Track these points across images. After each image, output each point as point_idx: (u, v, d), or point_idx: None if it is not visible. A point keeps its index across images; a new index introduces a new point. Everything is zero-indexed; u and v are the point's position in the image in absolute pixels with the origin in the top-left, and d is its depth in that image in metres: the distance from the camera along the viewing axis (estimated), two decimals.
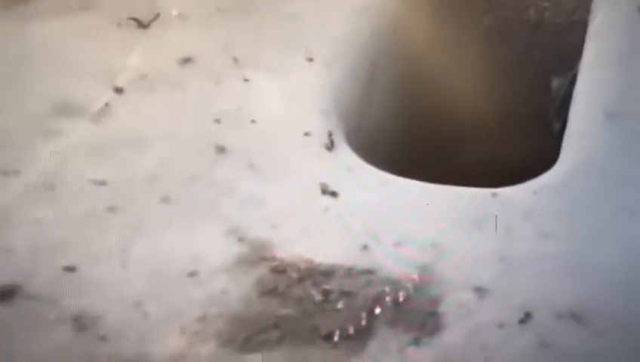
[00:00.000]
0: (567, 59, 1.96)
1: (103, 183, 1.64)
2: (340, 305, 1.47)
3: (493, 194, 1.67)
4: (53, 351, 1.40)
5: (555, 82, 1.96)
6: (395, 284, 1.49)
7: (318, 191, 1.65)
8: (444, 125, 2.20)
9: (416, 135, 2.11)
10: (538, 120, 1.97)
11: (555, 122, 1.89)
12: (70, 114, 1.76)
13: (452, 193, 1.70)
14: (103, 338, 1.40)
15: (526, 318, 1.45)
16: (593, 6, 2.13)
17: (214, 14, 2.03)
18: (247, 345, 1.40)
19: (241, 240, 1.55)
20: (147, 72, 1.86)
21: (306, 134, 1.75)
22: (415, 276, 1.50)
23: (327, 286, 1.49)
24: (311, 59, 1.89)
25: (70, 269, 1.50)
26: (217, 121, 1.78)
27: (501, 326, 1.43)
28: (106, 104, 1.79)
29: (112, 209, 1.62)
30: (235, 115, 1.80)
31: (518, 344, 1.43)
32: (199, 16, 2.02)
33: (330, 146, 1.75)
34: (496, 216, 1.66)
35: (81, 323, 1.41)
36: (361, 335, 1.42)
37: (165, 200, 1.63)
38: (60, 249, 1.55)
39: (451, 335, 1.43)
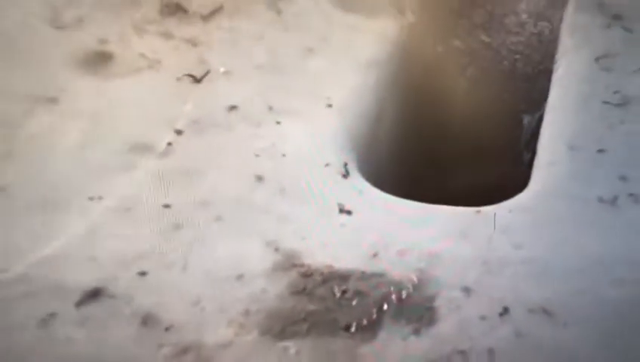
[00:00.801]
0: (536, 102, 1.96)
1: (168, 206, 1.68)
2: (354, 302, 1.50)
3: (477, 212, 1.70)
4: (128, 338, 1.44)
5: (526, 120, 1.97)
6: (399, 285, 1.52)
7: (336, 210, 1.68)
8: (437, 157, 2.21)
9: (414, 165, 2.12)
10: (512, 151, 1.97)
11: (525, 153, 1.91)
12: (142, 151, 1.79)
13: (444, 211, 1.72)
14: (168, 329, 1.45)
15: (504, 312, 1.49)
16: (557, 57, 2.09)
17: (253, 70, 2.01)
18: (282, 334, 1.44)
19: (276, 250, 1.58)
20: (200, 118, 1.87)
21: (327, 165, 1.77)
22: (414, 278, 1.53)
23: (344, 287, 1.52)
24: (330, 105, 1.90)
25: (142, 274, 1.55)
26: (256, 155, 1.79)
27: (483, 318, 1.47)
28: (169, 143, 1.81)
29: (176, 226, 1.65)
30: (270, 151, 1.81)
31: (498, 334, 1.46)
32: (241, 72, 2.01)
33: (346, 174, 1.76)
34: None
35: (150, 317, 1.47)
36: (373, 327, 1.46)
37: (218, 218, 1.66)
38: (134, 258, 1.58)
39: (444, 327, 1.47)
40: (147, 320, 1.49)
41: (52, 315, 1.50)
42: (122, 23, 1.98)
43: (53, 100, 1.84)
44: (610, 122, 1.89)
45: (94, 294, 1.52)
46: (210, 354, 1.45)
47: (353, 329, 1.47)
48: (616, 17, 2.15)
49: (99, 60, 1.93)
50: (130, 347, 1.46)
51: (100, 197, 1.69)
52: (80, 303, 1.51)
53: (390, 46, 2.02)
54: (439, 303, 1.51)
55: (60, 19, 1.98)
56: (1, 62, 1.93)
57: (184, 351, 1.44)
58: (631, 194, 1.72)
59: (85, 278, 1.56)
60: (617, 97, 1.94)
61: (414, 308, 1.51)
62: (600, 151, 1.82)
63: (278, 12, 2.03)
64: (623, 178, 1.75)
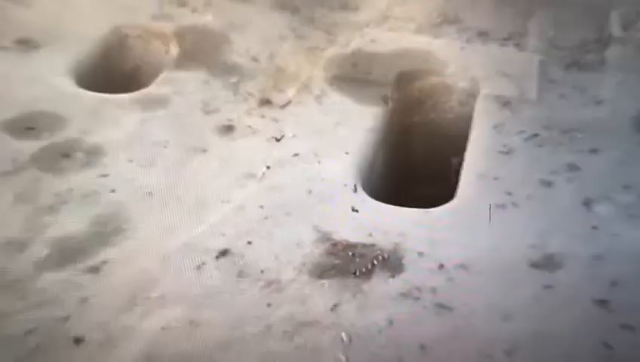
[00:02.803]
0: (460, 149, 1.95)
1: (262, 207, 1.68)
2: (358, 260, 1.58)
3: (426, 212, 1.72)
4: (236, 282, 1.50)
5: (454, 160, 1.95)
6: (383, 251, 1.59)
7: (350, 209, 1.71)
8: (408, 178, 2.20)
9: (395, 184, 2.13)
10: (450, 178, 1.92)
11: (455, 180, 1.87)
12: (249, 177, 1.79)
13: (413, 211, 1.73)
14: (262, 272, 1.52)
15: (441, 267, 1.54)
16: (472, 125, 2.02)
17: (307, 135, 1.94)
18: (321, 276, 1.53)
19: (318, 231, 1.64)
20: (279, 160, 1.84)
21: (345, 185, 1.79)
22: (392, 247, 1.60)
23: (353, 251, 1.59)
24: (347, 153, 1.88)
25: (249, 243, 1.59)
26: (308, 179, 1.79)
27: (430, 271, 1.53)
28: (263, 173, 1.81)
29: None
30: (316, 177, 1.80)
31: (438, 279, 1.52)
32: (301, 136, 1.95)
33: (355, 190, 1.77)
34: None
35: (248, 266, 1.53)
36: (369, 273, 1.54)
37: (288, 213, 1.67)
38: (244, 235, 1.60)
39: (408, 275, 1.54)
40: (245, 270, 1.53)
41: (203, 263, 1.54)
42: (239, 110, 2.01)
43: (204, 150, 1.87)
44: (501, 162, 1.86)
45: (223, 253, 1.57)
46: (283, 286, 1.50)
47: (358, 274, 1.54)
48: (506, 103, 2.09)
49: (227, 130, 1.96)
50: (235, 287, 1.49)
51: (228, 201, 1.72)
52: (217, 257, 1.57)
53: (380, 120, 2.05)
54: (405, 261, 1.56)
55: (207, 108, 2.03)
56: (172, 130, 1.94)
57: (269, 284, 1.50)
58: (514, 203, 1.71)
59: (219, 244, 1.59)
60: (505, 149, 1.91)
61: (391, 263, 1.57)
62: (495, 178, 1.80)
63: (320, 103, 2.06)
64: (509, 193, 1.75)
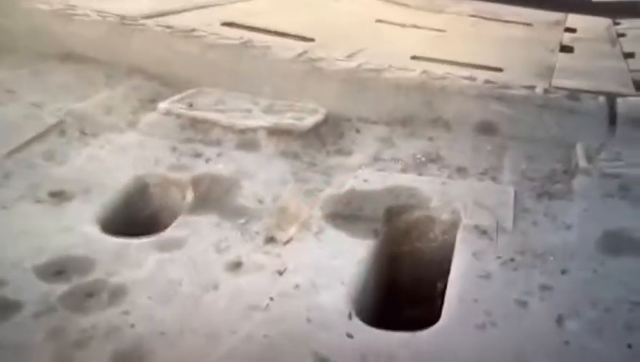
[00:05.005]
0: (445, 273, 2.04)
1: (266, 335, 1.79)
2: None
3: (413, 336, 1.76)
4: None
5: (439, 284, 2.04)
6: None
7: (345, 335, 1.76)
8: (400, 302, 2.22)
9: (386, 308, 2.17)
10: (436, 301, 1.97)
11: (440, 302, 1.93)
12: (252, 311, 1.88)
13: (401, 335, 1.76)
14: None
15: None
16: (454, 253, 2.11)
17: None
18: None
19: (317, 356, 1.69)
20: (283, 291, 1.94)
21: (340, 313, 1.84)
22: None
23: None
24: (342, 283, 1.96)
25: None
26: (307, 309, 1.84)
27: None
28: (267, 305, 1.90)
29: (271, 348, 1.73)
30: (315, 306, 1.87)
31: None
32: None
33: (350, 318, 1.83)
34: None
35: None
36: None
37: (289, 341, 1.72)
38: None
39: None
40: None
41: None
42: (246, 248, 2.13)
43: (215, 286, 1.97)
44: (481, 285, 1.94)
45: None
46: None
47: None
48: (484, 232, 2.24)
49: (236, 266, 2.04)
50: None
51: (235, 331, 1.79)
52: None
53: (371, 251, 2.16)
54: None
55: (218, 248, 2.15)
56: (187, 269, 2.06)
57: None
58: (492, 323, 1.78)
59: None
60: (484, 273, 1.99)
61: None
62: (475, 300, 1.88)
63: (318, 239, 2.18)
64: (488, 313, 1.82)
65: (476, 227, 2.22)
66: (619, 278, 1.96)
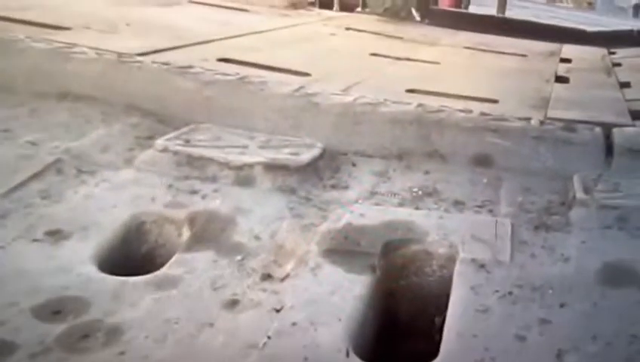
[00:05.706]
0: (442, 308, 2.06)
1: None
2: None
3: None
4: None
5: (436, 320, 2.06)
6: None
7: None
8: (398, 337, 2.21)
9: (384, 344, 2.12)
10: (434, 336, 1.98)
11: (438, 337, 1.93)
12: (249, 349, 1.85)
13: None
14: None
15: None
16: (452, 287, 2.12)
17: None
18: None
19: None
20: (281, 329, 1.93)
21: (338, 350, 1.85)
22: None
23: None
24: (340, 319, 1.96)
25: None
26: (304, 347, 1.84)
27: None
28: (265, 343, 1.88)
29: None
30: (312, 344, 1.86)
31: None
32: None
33: (347, 355, 1.84)
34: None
35: None
36: None
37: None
38: None
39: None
40: None
41: None
42: (243, 285, 2.14)
43: (211, 324, 1.96)
44: (479, 320, 1.95)
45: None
46: None
47: None
48: (482, 266, 2.24)
49: (232, 304, 2.06)
50: None
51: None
52: None
53: (368, 286, 2.16)
54: None
55: (215, 285, 2.16)
56: (183, 307, 2.06)
57: None
58: (491, 358, 1.77)
59: None
60: (482, 308, 1.99)
61: None
62: (474, 336, 1.87)
63: (315, 275, 2.18)
64: (486, 349, 1.81)
65: (473, 260, 2.23)
66: (619, 311, 1.96)
